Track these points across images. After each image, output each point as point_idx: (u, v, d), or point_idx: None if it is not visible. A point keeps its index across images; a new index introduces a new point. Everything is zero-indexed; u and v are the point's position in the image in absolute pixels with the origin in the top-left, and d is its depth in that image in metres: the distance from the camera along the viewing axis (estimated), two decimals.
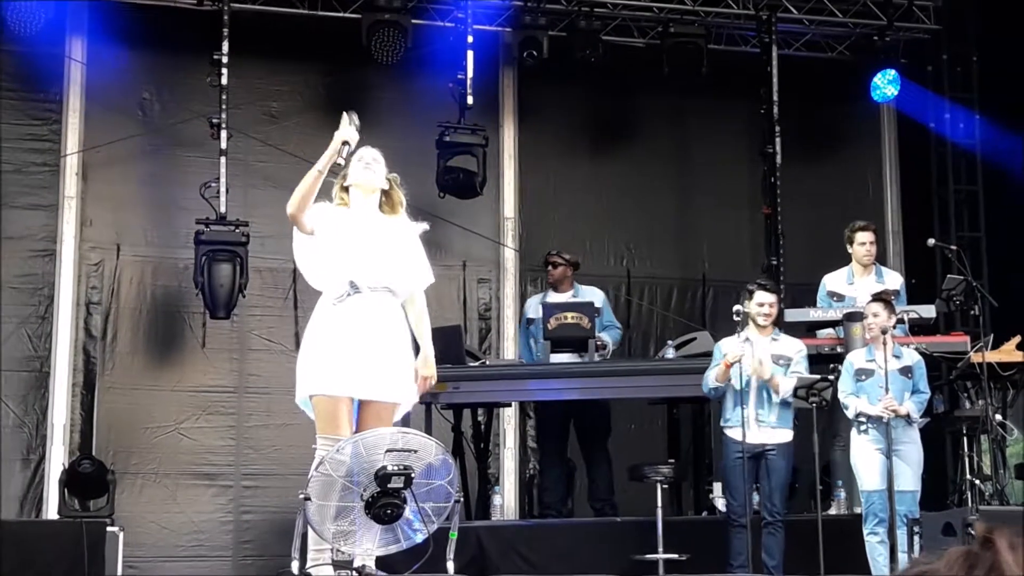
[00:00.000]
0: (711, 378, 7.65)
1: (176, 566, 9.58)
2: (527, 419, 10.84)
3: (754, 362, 7.49)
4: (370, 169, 6.05)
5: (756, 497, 7.66)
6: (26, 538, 8.18)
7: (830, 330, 8.89)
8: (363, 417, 5.86)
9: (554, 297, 9.51)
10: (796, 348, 7.85)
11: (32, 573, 5.30)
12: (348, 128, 5.95)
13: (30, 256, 10.09)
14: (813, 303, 9.23)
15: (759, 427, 7.54)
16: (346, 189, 6.08)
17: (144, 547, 9.68)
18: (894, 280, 9.11)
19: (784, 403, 7.63)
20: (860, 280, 8.93)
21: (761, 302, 7.73)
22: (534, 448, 10.77)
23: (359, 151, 6.07)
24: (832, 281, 9.07)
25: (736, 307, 7.68)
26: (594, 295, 9.67)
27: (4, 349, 9.90)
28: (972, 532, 6.60)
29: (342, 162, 5.93)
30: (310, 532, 5.71)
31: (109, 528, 8.29)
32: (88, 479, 8.87)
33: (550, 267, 9.66)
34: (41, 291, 10.07)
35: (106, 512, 8.69)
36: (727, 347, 7.74)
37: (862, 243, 8.94)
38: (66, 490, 8.78)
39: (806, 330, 9.10)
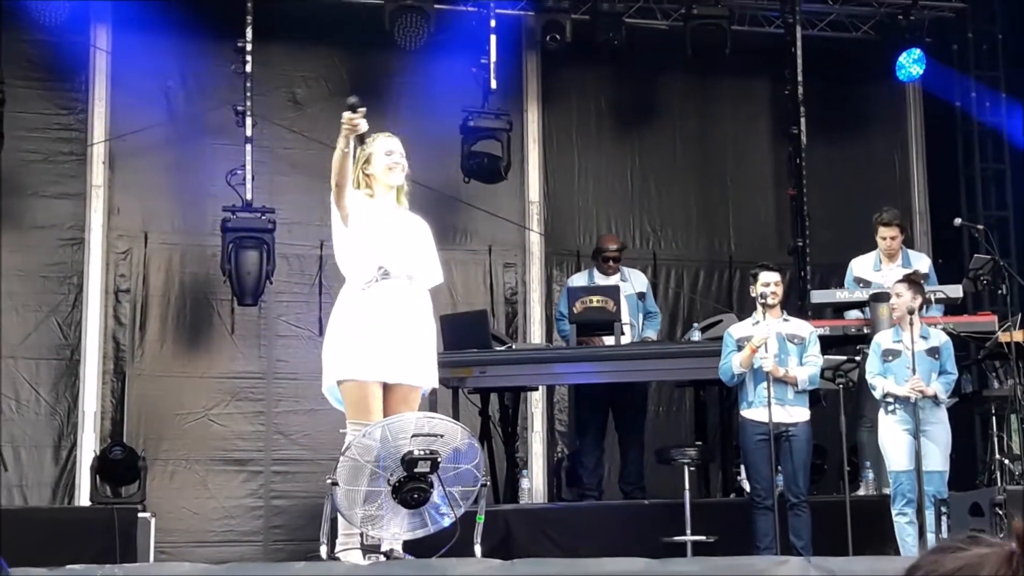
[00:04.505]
0: (735, 364, 7.64)
1: (207, 551, 9.64)
2: (555, 403, 10.86)
3: (767, 362, 7.49)
4: (394, 172, 6.07)
5: (780, 479, 7.66)
6: (58, 524, 8.26)
7: (857, 311, 8.88)
8: (390, 401, 5.88)
9: (599, 279, 9.51)
10: (808, 329, 7.84)
11: (64, 559, 5.34)
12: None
13: (59, 245, 10.17)
14: (840, 284, 9.21)
15: (779, 406, 7.53)
16: (367, 175, 6.10)
17: (176, 533, 9.75)
18: (923, 263, 9.05)
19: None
20: (887, 267, 8.89)
21: (766, 282, 7.72)
22: (562, 432, 10.79)
23: (386, 143, 6.08)
24: (859, 266, 9.04)
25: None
26: (639, 279, 9.68)
27: (35, 338, 9.99)
28: (1000, 512, 6.59)
29: (364, 127, 5.82)
30: (339, 517, 5.75)
31: (141, 514, 8.34)
32: (119, 466, 8.93)
33: (612, 259, 9.59)
34: (70, 279, 10.14)
35: (137, 498, 8.75)
36: (738, 333, 7.75)
37: (883, 237, 8.92)
38: (98, 477, 8.84)
39: (832, 311, 9.09)
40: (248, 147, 9.90)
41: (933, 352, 7.51)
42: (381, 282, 5.89)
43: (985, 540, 1.64)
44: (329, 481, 5.62)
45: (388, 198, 6.09)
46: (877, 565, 4.86)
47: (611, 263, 9.59)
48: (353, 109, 5.67)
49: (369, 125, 5.83)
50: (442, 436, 5.60)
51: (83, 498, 9.42)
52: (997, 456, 8.29)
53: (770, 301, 7.67)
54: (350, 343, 5.84)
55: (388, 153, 6.07)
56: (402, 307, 5.89)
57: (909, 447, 7.32)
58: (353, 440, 5.61)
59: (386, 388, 5.91)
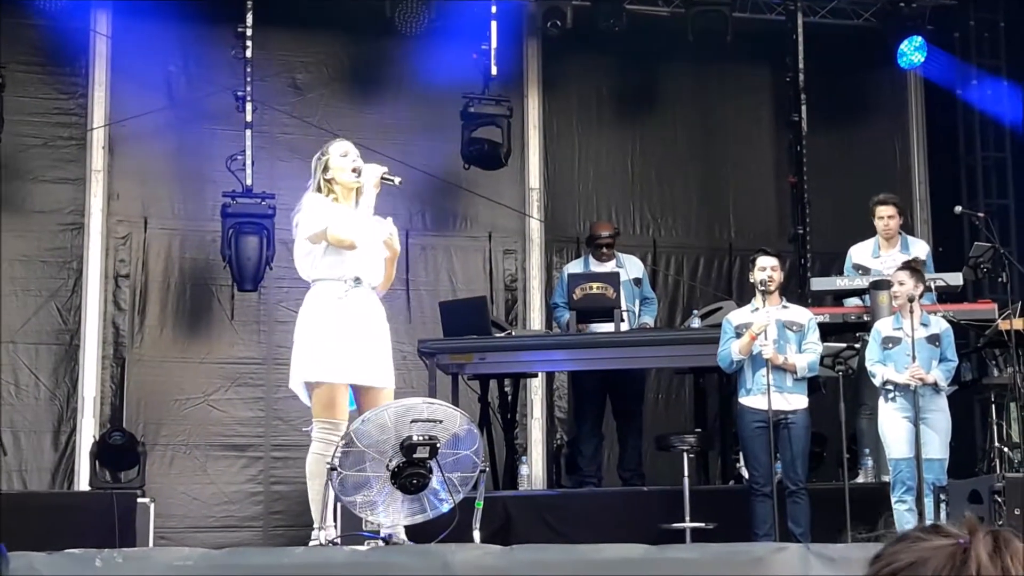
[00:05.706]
0: (734, 351, 7.63)
1: (207, 536, 9.65)
2: (554, 390, 10.86)
3: (766, 349, 7.48)
4: (357, 170, 6.17)
5: (778, 466, 7.66)
6: (58, 509, 8.26)
7: (857, 299, 8.87)
8: (364, 403, 5.99)
9: (595, 266, 9.49)
10: (807, 316, 7.83)
11: (63, 544, 5.35)
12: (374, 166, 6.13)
13: (59, 230, 10.16)
14: (840, 271, 9.21)
15: (778, 394, 7.53)
16: (329, 181, 6.15)
17: (175, 518, 9.76)
18: (920, 249, 9.05)
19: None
20: (885, 253, 8.89)
21: (763, 266, 7.71)
22: (561, 418, 10.79)
23: (340, 146, 6.21)
24: (858, 253, 9.04)
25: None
26: (635, 265, 9.66)
27: (34, 322, 9.99)
28: (999, 500, 6.60)
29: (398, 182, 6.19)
30: (312, 502, 5.82)
31: (140, 499, 8.36)
32: (119, 451, 8.94)
33: (604, 246, 9.56)
34: (70, 264, 10.14)
35: (137, 483, 8.76)
36: (737, 320, 7.75)
37: (880, 217, 8.91)
38: (97, 462, 8.86)
39: (833, 299, 9.09)
40: (248, 132, 9.90)
41: (933, 339, 7.51)
42: (355, 290, 5.98)
43: (944, 530, 1.63)
44: (328, 467, 5.64)
45: (351, 200, 6.15)
46: (874, 552, 4.86)
47: (604, 250, 9.56)
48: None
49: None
50: (441, 422, 5.62)
51: (82, 483, 9.43)
52: (996, 444, 8.28)
53: (769, 286, 7.66)
54: (324, 347, 5.95)
55: (344, 155, 6.15)
56: (368, 314, 6.04)
57: (909, 434, 7.32)
58: (352, 427, 5.66)
59: (358, 391, 6.03)
